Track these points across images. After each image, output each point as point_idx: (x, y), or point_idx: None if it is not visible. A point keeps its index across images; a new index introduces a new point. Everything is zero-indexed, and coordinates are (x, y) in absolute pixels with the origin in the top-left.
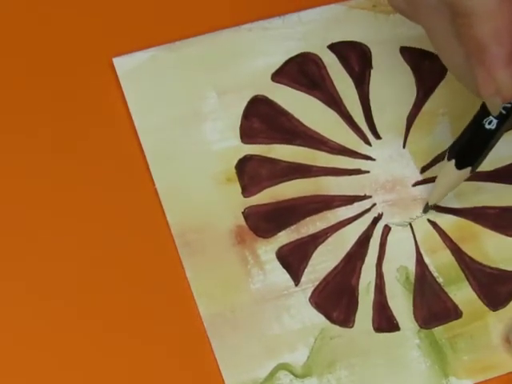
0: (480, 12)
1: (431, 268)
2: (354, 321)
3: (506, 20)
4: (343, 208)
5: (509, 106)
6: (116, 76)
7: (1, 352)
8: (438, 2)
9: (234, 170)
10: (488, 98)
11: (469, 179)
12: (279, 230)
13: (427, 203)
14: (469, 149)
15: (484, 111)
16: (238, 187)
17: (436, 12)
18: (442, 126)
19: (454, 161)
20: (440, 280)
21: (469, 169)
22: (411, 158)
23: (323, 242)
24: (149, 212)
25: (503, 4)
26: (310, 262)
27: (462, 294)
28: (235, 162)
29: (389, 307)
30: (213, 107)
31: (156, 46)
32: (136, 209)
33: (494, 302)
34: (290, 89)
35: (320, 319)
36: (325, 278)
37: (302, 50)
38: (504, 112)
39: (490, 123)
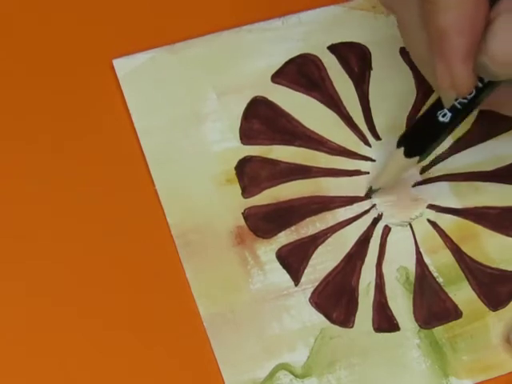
0: (445, 0)
1: (431, 268)
2: (353, 321)
3: (469, 12)
4: (343, 209)
5: (464, 101)
6: (116, 77)
7: (1, 352)
8: None
9: (233, 171)
10: (443, 90)
11: (469, 179)
12: (279, 231)
13: (371, 187)
14: (419, 139)
15: (439, 103)
16: (237, 188)
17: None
18: None
19: (403, 148)
20: (440, 280)
21: (416, 158)
22: None
23: (323, 242)
24: (149, 213)
25: None
26: (310, 263)
27: (462, 294)
28: (235, 163)
29: (389, 307)
30: (213, 108)
31: (156, 48)
32: (136, 209)
33: (494, 302)
34: (290, 90)
35: (320, 319)
36: (325, 279)
37: (302, 51)
38: (459, 107)
39: (443, 116)
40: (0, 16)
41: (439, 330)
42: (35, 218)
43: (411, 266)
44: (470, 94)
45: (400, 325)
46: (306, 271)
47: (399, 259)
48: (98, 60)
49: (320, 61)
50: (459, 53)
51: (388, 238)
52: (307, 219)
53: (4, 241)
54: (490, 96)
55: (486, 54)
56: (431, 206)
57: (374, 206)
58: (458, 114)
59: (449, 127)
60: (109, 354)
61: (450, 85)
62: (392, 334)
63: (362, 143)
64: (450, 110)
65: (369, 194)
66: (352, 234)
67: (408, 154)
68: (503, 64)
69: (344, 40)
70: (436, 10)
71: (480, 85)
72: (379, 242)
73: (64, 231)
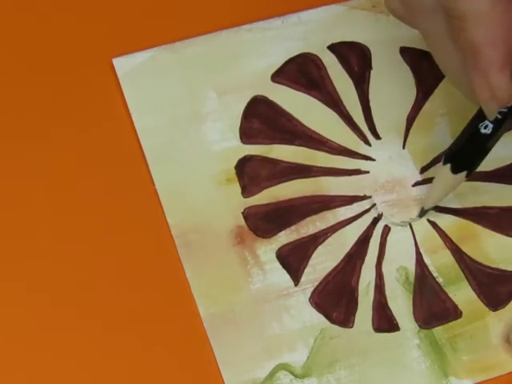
0: (473, 15)
1: (431, 268)
2: (353, 321)
3: (499, 23)
4: (343, 208)
5: (504, 110)
6: (116, 76)
7: (1, 352)
8: (433, 5)
9: (233, 171)
10: (484, 102)
11: (469, 179)
12: (279, 230)
13: (422, 208)
14: (464, 153)
15: (480, 115)
16: (237, 187)
17: (432, 15)
18: (441, 126)
19: (449, 165)
20: (440, 280)
21: (464, 173)
22: (411, 159)
23: (323, 242)
24: (148, 212)
25: (496, 7)
26: (310, 262)
27: (462, 294)
28: (235, 162)
29: (388, 307)
30: (213, 107)
31: (156, 47)
32: (136, 209)
33: (494, 302)
34: (290, 89)
35: (320, 319)
36: (325, 278)
37: (302, 51)
38: (500, 117)
39: (485, 128)
40: (0, 16)
41: (439, 330)
42: (35, 217)
43: (411, 265)
44: (510, 102)
45: (400, 325)
46: (305, 271)
47: (399, 259)
48: (98, 59)
49: (320, 60)
50: (495, 64)
51: (388, 238)
52: (307, 219)
53: (4, 241)
54: None
55: None
56: (426, 211)
57: (374, 205)
58: (500, 124)
59: (492, 138)
60: (109, 353)
61: (490, 97)
62: (392, 334)
63: (362, 142)
64: (491, 121)
65: (421, 215)
66: (352, 233)
67: (455, 170)
68: None
69: (344, 39)
70: (465, 26)
71: None
72: (379, 241)
73: (64, 231)
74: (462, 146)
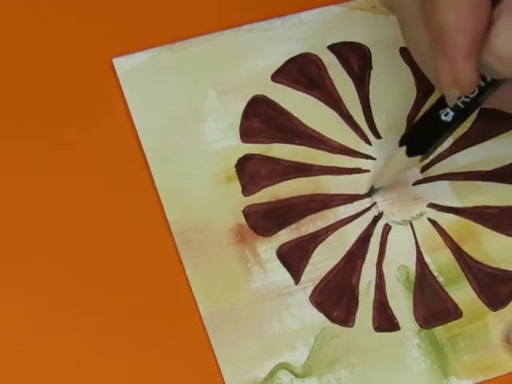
0: None
1: (431, 267)
2: (354, 320)
3: (471, 9)
4: (343, 207)
5: (467, 100)
6: (116, 76)
7: (1, 352)
8: None
9: (233, 169)
10: (446, 88)
11: (469, 179)
12: (279, 229)
13: (372, 186)
14: (421, 138)
15: (442, 102)
16: (238, 186)
17: None
18: None
19: (405, 147)
20: (440, 279)
21: (418, 157)
22: None
23: (323, 240)
24: (149, 211)
25: None
26: (310, 261)
27: (463, 293)
28: (235, 161)
29: (389, 307)
30: (213, 107)
31: (156, 47)
32: (136, 208)
33: (494, 301)
34: (290, 89)
35: (320, 318)
36: (325, 277)
37: (302, 51)
38: (462, 106)
39: (446, 115)
40: (0, 16)
41: (439, 330)
42: (35, 217)
43: (411, 265)
44: (473, 93)
45: (400, 324)
46: (306, 269)
47: (399, 258)
48: (98, 59)
49: (320, 60)
50: (461, 51)
51: (388, 237)
52: (307, 217)
53: (4, 241)
54: (493, 95)
55: (489, 52)
56: (432, 205)
57: (374, 204)
58: (461, 114)
59: (451, 126)
60: (109, 353)
61: (453, 83)
62: (392, 333)
63: (362, 142)
64: (452, 109)
65: (370, 193)
66: (352, 232)
67: (410, 153)
68: (506, 62)
69: (344, 40)
70: (437, 8)
71: (483, 84)
72: (379, 240)
73: (64, 230)
74: (420, 130)
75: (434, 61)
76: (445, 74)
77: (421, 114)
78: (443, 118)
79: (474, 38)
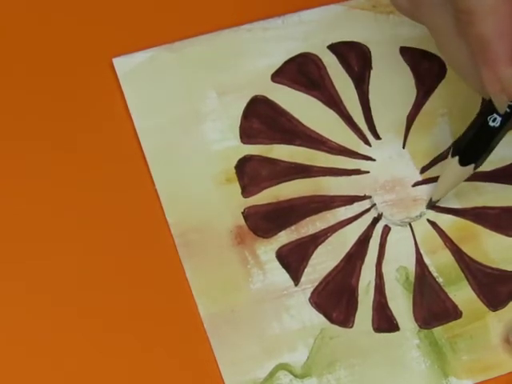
0: (481, 9)
1: (431, 268)
2: (353, 321)
3: (506, 16)
4: (343, 208)
5: None
6: (116, 76)
7: (1, 352)
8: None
9: (233, 170)
10: (494, 95)
11: (469, 179)
12: (279, 230)
13: (431, 199)
14: (472, 146)
15: (488, 108)
16: (237, 187)
17: (439, 10)
18: (441, 126)
19: (457, 157)
20: (440, 280)
21: (472, 166)
22: (411, 159)
23: (323, 242)
24: (148, 212)
25: (504, 0)
26: (310, 262)
27: (462, 294)
28: (235, 162)
29: (388, 307)
30: (212, 107)
31: (156, 47)
32: (136, 209)
33: (493, 302)
34: (290, 89)
35: (320, 319)
36: (324, 278)
37: (302, 51)
38: (509, 110)
39: (494, 121)
40: (0, 16)
41: (439, 330)
42: (35, 217)
43: (411, 265)
44: None
45: (400, 325)
46: (305, 271)
47: (399, 259)
48: (98, 59)
49: (320, 60)
50: (504, 58)
51: (388, 238)
52: (307, 219)
53: (4, 241)
54: None
55: None
56: (431, 206)
57: (374, 205)
58: (508, 117)
59: (500, 131)
60: (109, 353)
61: (500, 90)
62: (392, 334)
63: (362, 142)
64: (499, 114)
65: (429, 206)
66: (352, 233)
67: (463, 162)
68: None
69: (344, 39)
70: (474, 21)
71: None
72: (379, 241)
73: (64, 231)
74: (470, 138)
75: (475, 70)
76: (490, 82)
77: (424, 119)
78: (491, 123)
79: None
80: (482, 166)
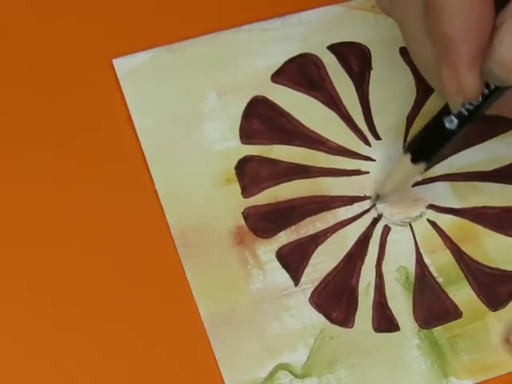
0: (450, 7)
1: (431, 268)
2: (353, 321)
3: (475, 18)
4: (343, 208)
5: (471, 107)
6: (116, 77)
7: (1, 352)
8: None
9: (233, 171)
10: (450, 95)
11: (469, 179)
12: (279, 231)
13: (377, 194)
14: (426, 145)
15: (446, 110)
16: (237, 188)
17: (410, 5)
18: None
19: (409, 155)
20: (440, 280)
21: (423, 164)
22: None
23: (323, 242)
24: (148, 213)
25: (474, 2)
26: (310, 262)
27: (462, 294)
28: (235, 162)
29: (389, 307)
30: (212, 108)
31: (156, 47)
32: (135, 209)
33: (493, 302)
34: (290, 89)
35: (320, 319)
36: (325, 278)
37: (302, 51)
38: (466, 113)
39: (450, 122)
40: (0, 16)
41: (439, 330)
42: (35, 217)
43: (411, 265)
44: (477, 100)
45: (400, 325)
46: (305, 271)
47: (399, 259)
48: (98, 59)
49: (320, 60)
50: (466, 59)
51: (388, 238)
52: (307, 219)
53: (4, 241)
54: (496, 102)
55: (492, 59)
56: (431, 206)
57: (374, 205)
58: (465, 121)
59: (455, 134)
60: (108, 353)
61: (457, 90)
62: (392, 334)
63: (361, 143)
64: (456, 117)
65: (375, 200)
66: (352, 233)
67: (414, 160)
68: (509, 69)
69: (344, 40)
70: (441, 19)
71: (486, 91)
72: (379, 241)
73: (64, 231)
74: (425, 137)
75: (437, 69)
76: (449, 81)
77: (424, 120)
78: (447, 125)
79: (477, 47)
80: (480, 167)
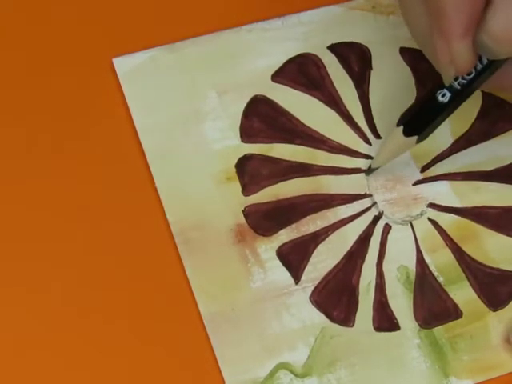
0: None
1: (431, 267)
2: (354, 320)
3: None
4: (343, 207)
5: (464, 81)
6: (116, 76)
7: (1, 352)
8: None
9: (234, 169)
10: (442, 66)
11: (469, 179)
12: (279, 229)
13: (370, 166)
14: (418, 118)
15: (440, 83)
16: (238, 186)
17: None
18: (441, 126)
19: (402, 127)
20: (440, 279)
21: (415, 137)
22: (411, 157)
23: (323, 240)
24: (149, 211)
25: None
26: (311, 261)
27: (463, 293)
28: (235, 161)
29: (389, 307)
30: (213, 107)
31: (156, 47)
32: (136, 208)
33: (494, 302)
34: (290, 89)
35: (320, 318)
36: (325, 277)
37: (302, 51)
38: (459, 87)
39: (443, 96)
40: (0, 16)
41: (439, 330)
42: (35, 217)
43: (411, 265)
44: (470, 74)
45: (400, 324)
46: (306, 269)
47: (400, 258)
48: (98, 59)
49: (320, 60)
50: (458, 29)
51: (388, 237)
52: (308, 217)
53: (4, 241)
54: (491, 78)
55: (485, 31)
56: (432, 205)
57: (374, 204)
58: (458, 95)
59: (448, 108)
60: (108, 353)
61: (449, 61)
62: (392, 333)
63: (362, 141)
64: (449, 91)
65: (368, 173)
66: (352, 232)
67: (407, 132)
68: (503, 41)
69: (344, 40)
70: None
71: (480, 66)
72: (380, 240)
73: (64, 230)
74: (417, 110)
75: (431, 41)
76: (442, 52)
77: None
78: (440, 98)
79: (470, 17)
80: (483, 166)
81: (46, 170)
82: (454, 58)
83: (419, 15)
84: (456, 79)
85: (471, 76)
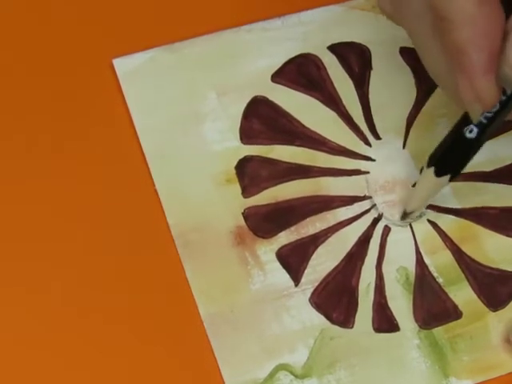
0: (459, 17)
1: (431, 268)
2: (353, 321)
3: (485, 25)
4: (343, 208)
5: (489, 115)
6: (116, 77)
7: (1, 352)
8: (421, 6)
9: (233, 171)
10: (468, 104)
11: (469, 179)
12: (279, 231)
13: (405, 210)
14: (448, 157)
15: (465, 119)
16: (237, 188)
17: (420, 16)
18: (441, 126)
19: (433, 168)
20: (440, 280)
21: (448, 177)
22: (411, 159)
23: (323, 242)
24: (148, 213)
25: (482, 9)
26: (310, 263)
27: (462, 294)
28: (235, 162)
29: (389, 308)
30: (212, 108)
31: (156, 47)
32: (136, 209)
33: (494, 302)
34: (290, 89)
35: (320, 320)
36: (325, 279)
37: (302, 51)
38: (484, 121)
39: (470, 132)
40: (0, 16)
41: (439, 331)
42: (35, 217)
43: (411, 266)
44: (495, 107)
45: (400, 325)
46: (306, 271)
47: (399, 259)
48: (98, 60)
49: (320, 60)
50: (480, 67)
51: (388, 238)
52: (307, 219)
53: (4, 241)
54: None
55: (506, 63)
56: (431, 207)
57: (374, 205)
58: (485, 129)
59: (477, 142)
60: (109, 353)
61: (475, 99)
62: (392, 334)
63: (362, 143)
64: (476, 126)
65: (403, 218)
66: (352, 233)
67: (438, 173)
68: None
69: (344, 40)
70: (451, 28)
71: (503, 97)
72: (379, 242)
73: (64, 231)
74: (446, 149)
75: (452, 79)
76: (465, 90)
77: (424, 120)
78: (468, 135)
79: (490, 53)
80: (480, 167)
81: (45, 170)
82: (479, 95)
83: (437, 55)
84: (482, 113)
85: (496, 109)
